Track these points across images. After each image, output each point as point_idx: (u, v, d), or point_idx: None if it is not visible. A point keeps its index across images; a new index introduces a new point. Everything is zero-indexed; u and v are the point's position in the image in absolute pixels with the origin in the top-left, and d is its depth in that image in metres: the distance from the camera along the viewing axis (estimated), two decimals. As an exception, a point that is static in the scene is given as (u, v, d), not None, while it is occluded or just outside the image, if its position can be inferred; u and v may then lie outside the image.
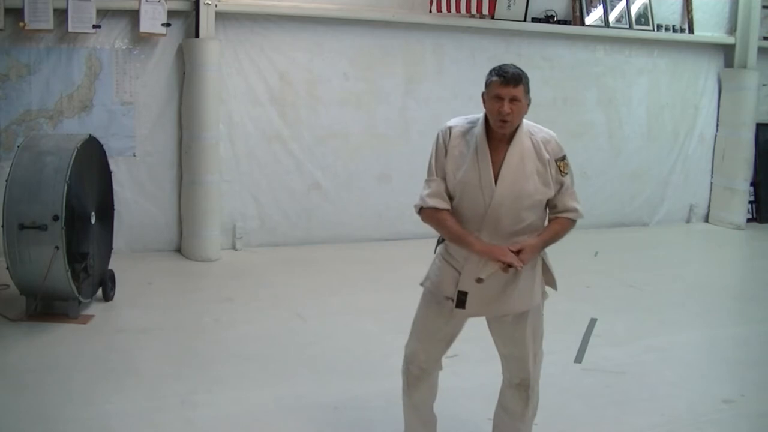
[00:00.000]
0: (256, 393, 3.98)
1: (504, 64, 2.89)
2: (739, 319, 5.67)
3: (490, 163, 2.86)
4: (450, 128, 2.97)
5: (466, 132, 2.95)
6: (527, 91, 2.86)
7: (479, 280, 2.80)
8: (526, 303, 2.97)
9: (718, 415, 3.92)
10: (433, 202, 2.93)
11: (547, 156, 2.89)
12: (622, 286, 6.23)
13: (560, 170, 2.91)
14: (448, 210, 2.94)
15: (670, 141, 8.84)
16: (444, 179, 2.93)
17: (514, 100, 2.80)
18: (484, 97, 2.91)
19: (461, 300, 2.93)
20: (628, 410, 3.91)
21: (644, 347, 4.85)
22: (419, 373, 3.07)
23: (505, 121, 2.81)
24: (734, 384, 4.31)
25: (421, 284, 3.11)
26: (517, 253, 2.82)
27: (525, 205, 2.87)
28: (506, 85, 2.80)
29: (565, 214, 2.97)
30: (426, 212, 2.96)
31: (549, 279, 3.08)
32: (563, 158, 2.94)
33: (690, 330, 5.29)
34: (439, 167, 2.96)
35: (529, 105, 2.88)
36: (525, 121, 2.93)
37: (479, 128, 2.92)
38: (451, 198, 2.94)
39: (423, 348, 3.06)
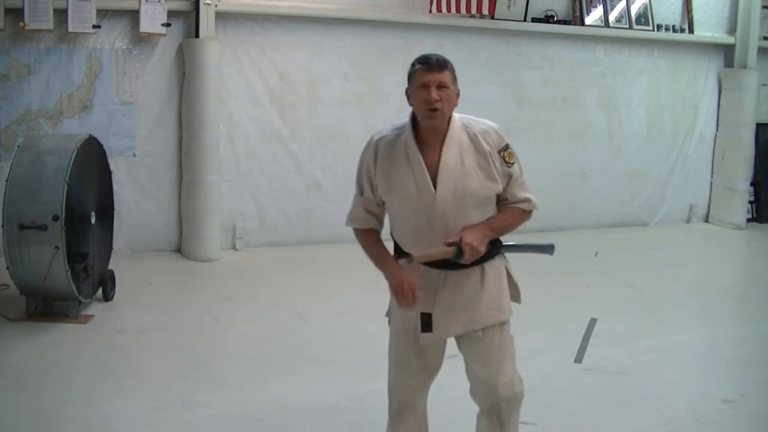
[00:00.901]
0: (256, 393, 3.98)
1: (427, 53, 2.67)
2: (739, 319, 5.66)
3: (424, 167, 2.60)
4: (377, 141, 2.72)
5: (395, 140, 2.69)
6: (455, 79, 2.63)
7: (410, 259, 2.57)
8: (497, 315, 2.74)
9: (718, 415, 3.92)
10: (351, 223, 2.81)
11: (487, 148, 2.63)
12: (622, 286, 6.23)
13: (505, 161, 2.66)
14: (369, 229, 2.77)
15: (670, 141, 8.84)
16: (368, 196, 2.73)
17: (441, 86, 2.57)
18: (408, 92, 2.67)
19: (426, 323, 2.70)
20: (628, 410, 3.91)
21: (644, 347, 4.84)
22: (400, 409, 2.86)
23: (434, 110, 2.55)
24: (734, 384, 4.30)
25: (387, 315, 2.90)
26: (460, 241, 2.54)
27: (471, 204, 2.63)
28: (431, 71, 2.58)
29: (516, 205, 2.74)
30: (354, 230, 2.82)
31: (513, 291, 2.84)
32: (506, 147, 2.67)
33: (690, 330, 5.29)
34: (363, 185, 2.74)
35: (458, 96, 2.63)
36: (458, 114, 2.69)
37: (407, 132, 2.67)
38: (381, 216, 2.77)
39: (401, 383, 2.85)
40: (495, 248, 2.73)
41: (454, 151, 2.61)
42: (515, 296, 2.84)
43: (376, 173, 2.68)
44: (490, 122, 2.72)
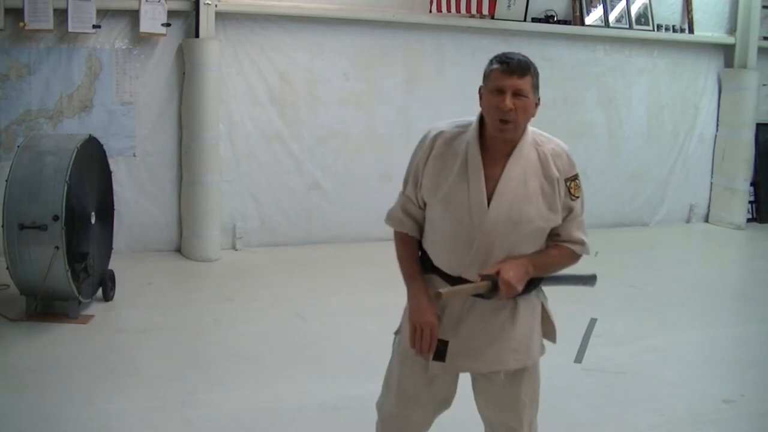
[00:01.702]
0: (256, 393, 3.98)
1: (509, 51, 2.33)
2: (739, 319, 5.66)
3: (483, 178, 2.29)
4: (434, 136, 2.40)
5: (455, 138, 2.37)
6: (536, 87, 2.29)
7: (437, 295, 2.25)
8: (523, 358, 2.42)
9: (718, 415, 3.92)
10: (392, 222, 2.51)
11: (556, 174, 2.32)
12: (622, 286, 6.23)
13: (570, 193, 2.34)
14: (407, 236, 2.47)
15: (670, 141, 8.84)
16: (410, 195, 2.45)
17: (518, 94, 2.23)
18: (482, 92, 2.34)
19: (440, 351, 2.37)
20: (628, 410, 3.91)
21: (644, 347, 4.85)
22: None
23: (506, 122, 2.24)
24: (734, 384, 4.31)
25: (395, 333, 2.59)
26: (496, 274, 2.24)
27: (524, 234, 2.31)
28: (509, 75, 2.23)
29: (567, 245, 2.42)
30: (394, 233, 2.53)
31: (548, 329, 2.54)
32: (575, 177, 2.36)
33: (690, 330, 5.29)
34: (408, 183, 2.46)
35: (538, 106, 2.31)
36: (531, 128, 2.37)
37: (471, 133, 2.34)
38: (421, 220, 2.46)
39: (401, 413, 2.51)
40: (533, 283, 2.40)
41: (519, 169, 2.30)
42: (549, 335, 2.55)
43: (425, 170, 2.38)
44: (563, 144, 2.40)
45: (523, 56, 2.28)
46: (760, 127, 9.00)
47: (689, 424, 3.80)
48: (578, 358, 4.59)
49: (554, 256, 2.40)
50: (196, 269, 6.46)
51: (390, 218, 2.53)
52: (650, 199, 8.82)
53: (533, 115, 2.30)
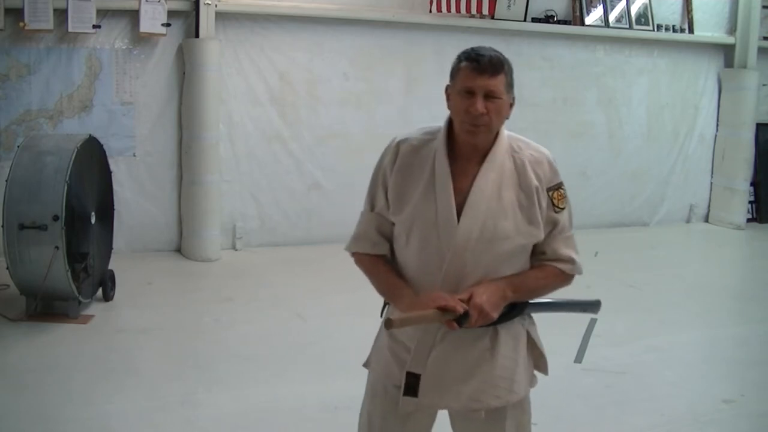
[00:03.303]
0: (256, 393, 3.98)
1: (479, 47, 2.05)
2: (739, 319, 5.66)
3: (452, 191, 2.03)
4: (398, 143, 2.14)
5: (422, 146, 2.11)
6: (510, 86, 2.05)
7: (388, 323, 1.99)
8: (505, 395, 2.11)
9: (718, 415, 3.92)
10: (357, 247, 2.20)
11: (535, 183, 2.05)
12: (622, 286, 6.23)
13: (554, 204, 2.07)
14: (381, 255, 2.17)
15: (670, 141, 8.83)
16: (382, 213, 2.16)
17: (491, 95, 1.99)
18: (449, 91, 2.10)
19: (411, 385, 2.10)
20: (628, 410, 3.91)
21: (644, 347, 4.85)
22: None
23: (476, 126, 2.00)
24: (734, 384, 4.31)
25: (364, 366, 2.38)
26: (468, 299, 1.98)
27: (500, 252, 2.03)
28: (480, 74, 1.98)
29: (555, 264, 2.12)
30: (356, 257, 2.22)
31: (538, 359, 2.23)
32: (558, 187, 2.10)
33: (690, 330, 5.29)
34: (376, 197, 2.17)
35: (512, 106, 2.08)
36: (507, 132, 2.12)
37: (439, 141, 2.09)
38: (392, 239, 2.18)
39: None
40: (516, 309, 2.11)
41: (493, 179, 2.04)
42: (540, 366, 2.25)
43: (391, 183, 2.12)
44: (544, 150, 2.15)
45: (495, 51, 2.03)
46: (760, 127, 9.00)
47: (689, 424, 3.80)
48: (578, 358, 4.58)
49: (538, 277, 2.11)
50: (196, 269, 6.46)
51: (359, 242, 2.20)
52: (650, 199, 8.81)
53: (507, 117, 2.08)
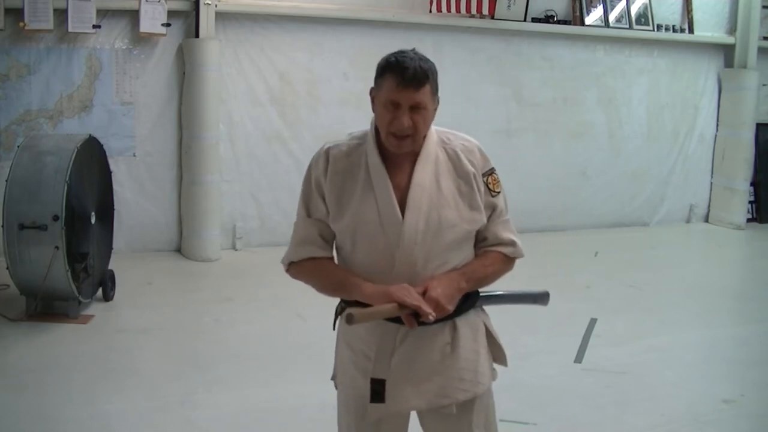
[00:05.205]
0: (256, 393, 3.98)
1: (401, 52, 2.01)
2: (739, 319, 5.66)
3: (391, 189, 2.03)
4: (328, 149, 2.14)
5: (352, 151, 2.12)
6: (435, 90, 2.04)
7: (349, 318, 1.98)
8: (472, 387, 2.12)
9: (718, 415, 3.92)
10: (301, 253, 2.17)
11: (471, 169, 2.07)
12: (622, 286, 6.23)
13: (489, 189, 2.09)
14: (327, 258, 2.16)
15: (670, 141, 8.84)
16: (321, 218, 2.14)
17: (416, 107, 1.98)
18: (373, 95, 2.09)
19: (377, 392, 2.09)
20: (628, 410, 3.91)
21: (644, 347, 4.84)
22: None
23: (402, 138, 2.00)
24: (734, 384, 4.30)
25: (332, 379, 2.38)
26: (423, 293, 1.96)
27: (448, 242, 2.04)
28: (405, 88, 1.96)
29: (498, 248, 2.14)
30: (296, 268, 2.20)
31: (496, 352, 2.23)
32: (491, 171, 2.12)
33: (690, 330, 5.29)
34: (312, 207, 2.15)
35: (436, 107, 2.08)
36: (433, 127, 2.12)
37: (369, 143, 2.10)
38: (338, 248, 2.17)
39: None
40: (470, 300, 2.13)
41: (429, 172, 2.05)
42: (499, 358, 2.25)
43: (327, 189, 2.09)
44: (472, 138, 2.17)
45: (420, 58, 2.00)
46: (760, 127, 9.00)
47: (689, 424, 3.80)
48: (578, 358, 4.59)
49: (485, 264, 2.11)
50: (196, 269, 6.46)
51: (303, 247, 2.18)
52: (650, 199, 8.81)
53: (433, 119, 2.07)
